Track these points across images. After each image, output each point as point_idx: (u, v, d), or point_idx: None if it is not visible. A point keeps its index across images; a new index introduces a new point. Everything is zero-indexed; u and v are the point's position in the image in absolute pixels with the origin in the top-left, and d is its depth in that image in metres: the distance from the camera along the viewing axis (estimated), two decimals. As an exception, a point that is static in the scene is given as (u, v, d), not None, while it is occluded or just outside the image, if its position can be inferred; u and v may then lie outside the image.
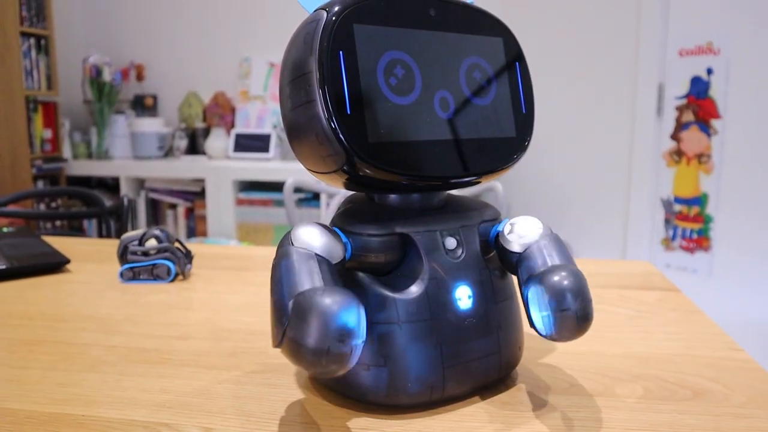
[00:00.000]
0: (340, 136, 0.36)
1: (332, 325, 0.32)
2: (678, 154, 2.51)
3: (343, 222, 0.41)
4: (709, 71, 2.38)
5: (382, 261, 0.40)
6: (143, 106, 3.29)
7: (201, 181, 2.95)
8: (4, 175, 2.77)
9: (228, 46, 3.22)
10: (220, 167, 2.86)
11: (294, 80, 0.38)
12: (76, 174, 3.03)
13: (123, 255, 0.74)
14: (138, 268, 0.72)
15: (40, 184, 2.89)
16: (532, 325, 0.40)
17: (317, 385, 0.44)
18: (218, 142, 3.08)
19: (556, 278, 0.38)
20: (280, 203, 2.81)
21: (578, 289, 0.37)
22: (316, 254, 0.37)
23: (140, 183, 3.09)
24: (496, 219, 0.44)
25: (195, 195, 3.03)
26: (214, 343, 0.53)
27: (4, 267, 0.73)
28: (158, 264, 0.72)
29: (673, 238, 2.55)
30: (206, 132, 3.18)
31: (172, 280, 0.73)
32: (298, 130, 0.39)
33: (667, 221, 2.56)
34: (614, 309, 0.62)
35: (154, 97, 3.31)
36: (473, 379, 0.42)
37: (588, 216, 2.79)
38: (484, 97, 0.43)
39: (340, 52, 0.37)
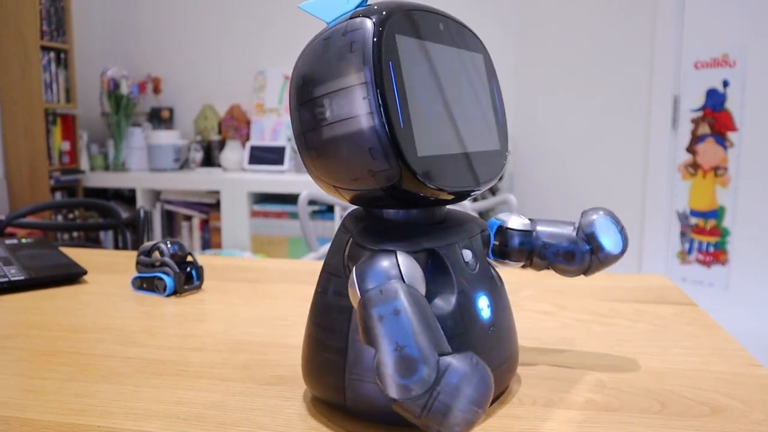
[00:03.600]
0: (397, 151, 0.35)
1: (487, 399, 0.33)
2: (694, 167, 2.49)
3: (368, 240, 0.39)
4: (725, 83, 2.37)
5: None
6: (160, 118, 3.33)
7: (216, 193, 2.97)
8: (22, 186, 2.81)
9: (243, 59, 3.25)
10: (235, 179, 2.88)
11: (335, 92, 0.36)
12: (93, 186, 3.07)
13: (137, 264, 0.75)
14: (144, 278, 0.73)
15: (58, 196, 2.92)
16: (600, 249, 0.46)
17: (332, 400, 0.44)
18: (233, 154, 3.10)
19: (610, 212, 0.47)
20: (294, 215, 2.82)
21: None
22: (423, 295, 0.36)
23: (156, 195, 3.12)
24: (486, 229, 0.46)
25: (210, 207, 3.05)
26: (229, 355, 0.53)
27: (22, 278, 0.74)
28: (157, 277, 0.72)
29: (690, 251, 2.52)
30: (221, 144, 3.20)
31: (168, 296, 0.72)
32: (338, 146, 0.37)
33: (683, 234, 2.54)
34: (630, 323, 0.61)
35: (171, 110, 3.34)
36: (497, 386, 0.42)
37: (603, 229, 2.77)
38: (478, 111, 0.44)
39: (390, 63, 0.36)
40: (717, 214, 2.44)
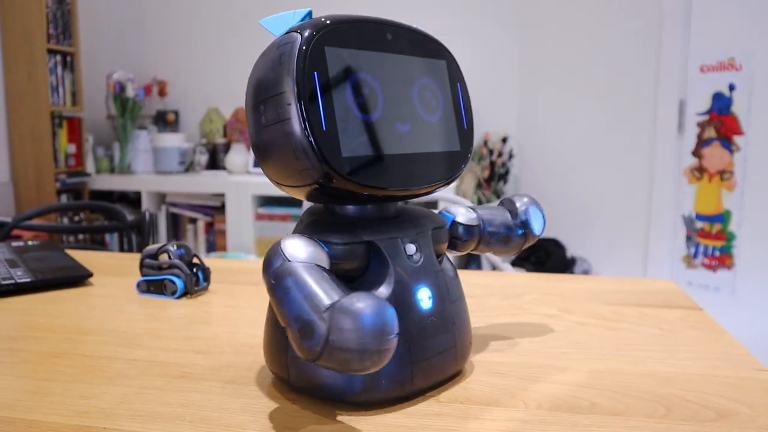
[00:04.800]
0: (318, 150, 0.39)
1: (378, 327, 0.35)
2: (700, 171, 2.48)
3: (312, 232, 0.43)
4: (731, 87, 2.36)
5: (350, 268, 0.43)
6: (165, 121, 3.34)
7: (221, 195, 2.98)
8: (29, 188, 2.82)
9: (249, 62, 3.26)
10: (240, 182, 2.88)
11: (268, 99, 0.41)
12: (98, 188, 3.08)
13: (141, 267, 0.75)
14: (151, 281, 0.73)
15: (64, 198, 2.93)
16: (531, 233, 0.54)
17: (280, 375, 0.46)
18: (238, 157, 3.11)
19: (533, 199, 0.55)
20: (298, 218, 2.82)
21: None
22: (317, 264, 0.39)
23: (161, 197, 3.12)
24: (444, 226, 0.49)
25: (215, 210, 3.06)
26: (234, 357, 0.54)
27: (28, 280, 0.74)
28: (167, 279, 0.72)
29: (695, 255, 2.51)
30: (226, 147, 3.21)
31: (179, 297, 0.72)
32: (272, 147, 0.41)
33: (688, 238, 2.53)
34: (635, 327, 0.61)
35: (176, 113, 3.35)
36: (437, 372, 0.45)
37: (609, 233, 2.77)
38: (434, 115, 0.47)
39: (315, 73, 0.40)
40: (723, 218, 2.43)
